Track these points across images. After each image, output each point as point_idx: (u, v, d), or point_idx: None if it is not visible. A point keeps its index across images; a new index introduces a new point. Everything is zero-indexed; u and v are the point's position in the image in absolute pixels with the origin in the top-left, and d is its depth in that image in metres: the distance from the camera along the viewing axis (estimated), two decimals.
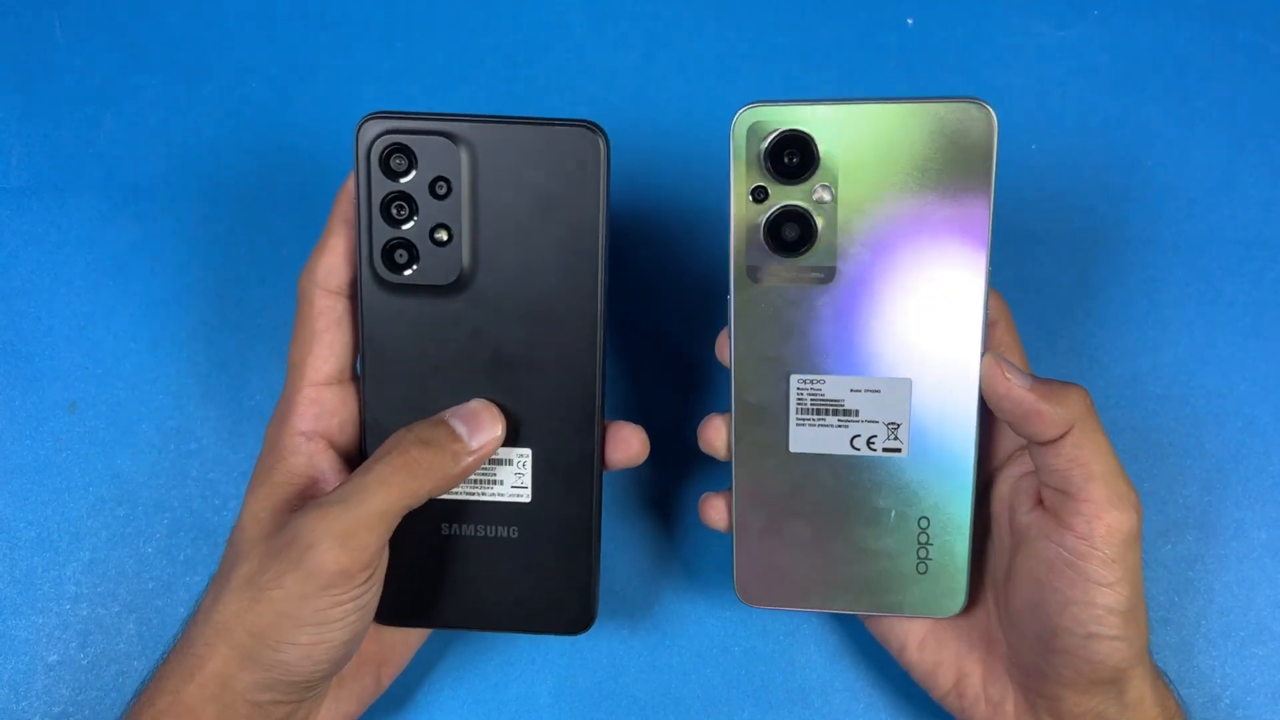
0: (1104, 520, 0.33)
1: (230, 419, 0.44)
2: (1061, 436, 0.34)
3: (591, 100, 0.47)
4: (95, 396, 0.44)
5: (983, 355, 0.35)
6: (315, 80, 0.47)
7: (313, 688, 0.34)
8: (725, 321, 0.37)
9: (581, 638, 0.44)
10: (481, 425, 0.36)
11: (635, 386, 0.46)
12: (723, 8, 0.47)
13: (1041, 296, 0.46)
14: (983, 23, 0.47)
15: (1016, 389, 0.34)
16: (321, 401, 0.36)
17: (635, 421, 0.38)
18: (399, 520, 0.34)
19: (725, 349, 0.37)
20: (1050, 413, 0.34)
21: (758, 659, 0.44)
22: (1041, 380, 0.34)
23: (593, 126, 0.35)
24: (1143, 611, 0.34)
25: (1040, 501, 0.36)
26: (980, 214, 0.34)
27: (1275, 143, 0.46)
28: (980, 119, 0.34)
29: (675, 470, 0.46)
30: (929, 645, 0.39)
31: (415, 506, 0.34)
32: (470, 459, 0.35)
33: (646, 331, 0.46)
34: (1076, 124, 0.46)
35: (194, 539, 0.44)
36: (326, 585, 0.32)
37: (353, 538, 0.32)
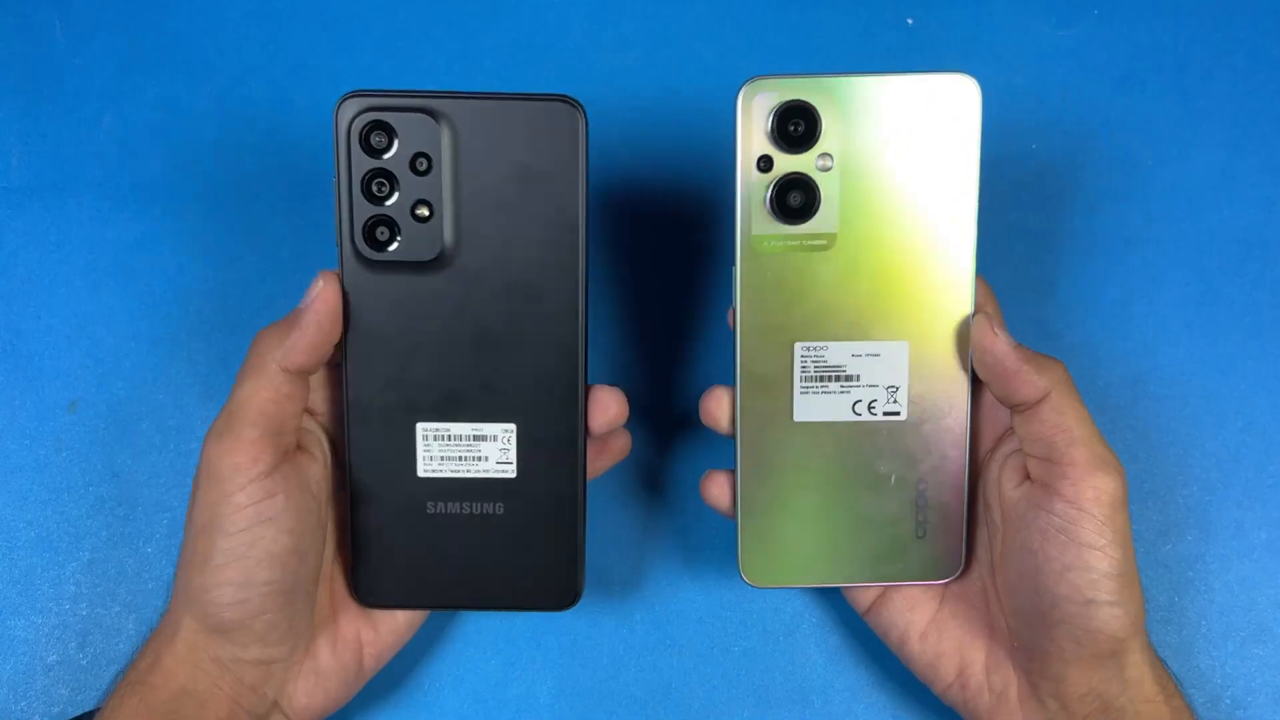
0: (1090, 483, 0.34)
1: None
2: (1040, 402, 0.35)
3: (594, 97, 0.47)
4: (95, 396, 0.45)
5: (973, 316, 0.37)
6: (315, 80, 0.47)
7: (262, 640, 0.35)
8: (729, 294, 0.38)
9: (580, 638, 0.44)
10: (311, 288, 0.36)
11: (632, 366, 0.46)
12: (723, 9, 0.48)
13: (1041, 296, 0.46)
14: (983, 22, 0.48)
15: (1002, 344, 0.36)
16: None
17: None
18: (275, 413, 0.35)
19: (714, 414, 0.38)
20: (1030, 374, 0.35)
21: (758, 659, 0.44)
22: (1025, 348, 0.36)
23: (571, 101, 0.36)
24: (1135, 580, 0.35)
25: (1028, 475, 0.37)
26: (968, 179, 0.37)
27: (1275, 142, 0.47)
28: (966, 90, 0.36)
29: (672, 456, 0.46)
30: (931, 635, 0.39)
31: (283, 385, 0.35)
32: (307, 310, 0.35)
33: (643, 311, 0.47)
34: (1077, 124, 0.47)
35: None
36: (220, 481, 0.34)
37: (226, 427, 0.35)
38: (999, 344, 0.36)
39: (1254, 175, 0.47)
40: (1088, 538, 0.34)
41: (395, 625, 0.40)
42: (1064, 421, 0.35)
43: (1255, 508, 0.45)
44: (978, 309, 0.37)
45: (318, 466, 0.37)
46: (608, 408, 0.38)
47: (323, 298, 0.35)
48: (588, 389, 0.38)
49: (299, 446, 0.37)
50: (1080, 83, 0.47)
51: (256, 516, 0.34)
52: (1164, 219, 0.47)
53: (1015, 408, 0.36)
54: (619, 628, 0.45)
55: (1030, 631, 0.36)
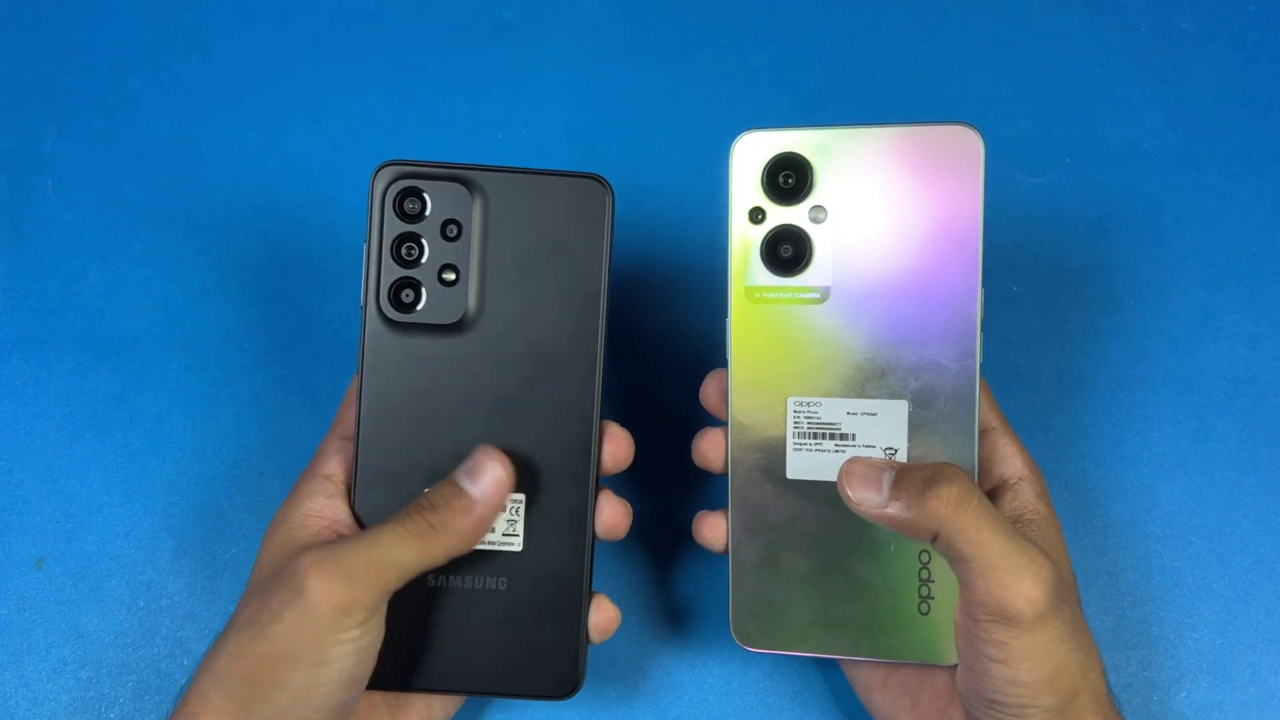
0: (988, 611, 0.34)
1: (204, 573, 0.45)
2: (935, 540, 0.35)
3: (590, 152, 0.52)
4: (64, 552, 0.46)
5: (979, 374, 0.37)
6: (302, 235, 0.50)
7: None
8: (724, 345, 0.39)
9: (580, 698, 0.45)
10: (484, 471, 0.36)
11: (632, 417, 0.48)
12: (721, 66, 0.52)
13: (1032, 437, 0.48)
14: None
15: (872, 510, 0.36)
16: (349, 450, 0.39)
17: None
18: (405, 579, 0.35)
19: (711, 393, 0.40)
20: (912, 526, 0.35)
21: None
22: (905, 476, 0.36)
23: (599, 179, 0.38)
24: (1064, 679, 0.34)
25: None
26: (971, 234, 0.38)
27: (1253, 281, 0.50)
28: (969, 141, 0.37)
29: (670, 520, 0.48)
30: (892, 686, 0.40)
31: (429, 565, 0.35)
32: (479, 508, 0.36)
33: (639, 361, 0.49)
34: (1055, 266, 0.50)
35: (160, 702, 0.44)
36: (323, 620, 0.33)
37: (351, 575, 0.34)
38: (867, 510, 0.36)
39: (1235, 313, 0.50)
40: (985, 650, 0.34)
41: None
42: (961, 552, 0.34)
43: (1270, 651, 0.46)
44: (854, 460, 0.37)
45: None
46: (600, 515, 0.39)
47: (495, 486, 0.36)
48: (598, 488, 0.39)
49: None
50: (1055, 228, 0.51)
51: (354, 651, 0.34)
52: (1150, 358, 0.49)
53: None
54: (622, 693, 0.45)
55: (968, 703, 0.37)
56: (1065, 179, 0.51)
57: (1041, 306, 0.50)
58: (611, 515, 0.39)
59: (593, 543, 0.39)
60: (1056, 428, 0.48)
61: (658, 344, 0.49)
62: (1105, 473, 0.48)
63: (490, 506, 0.36)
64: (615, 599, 0.46)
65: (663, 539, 0.47)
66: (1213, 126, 0.52)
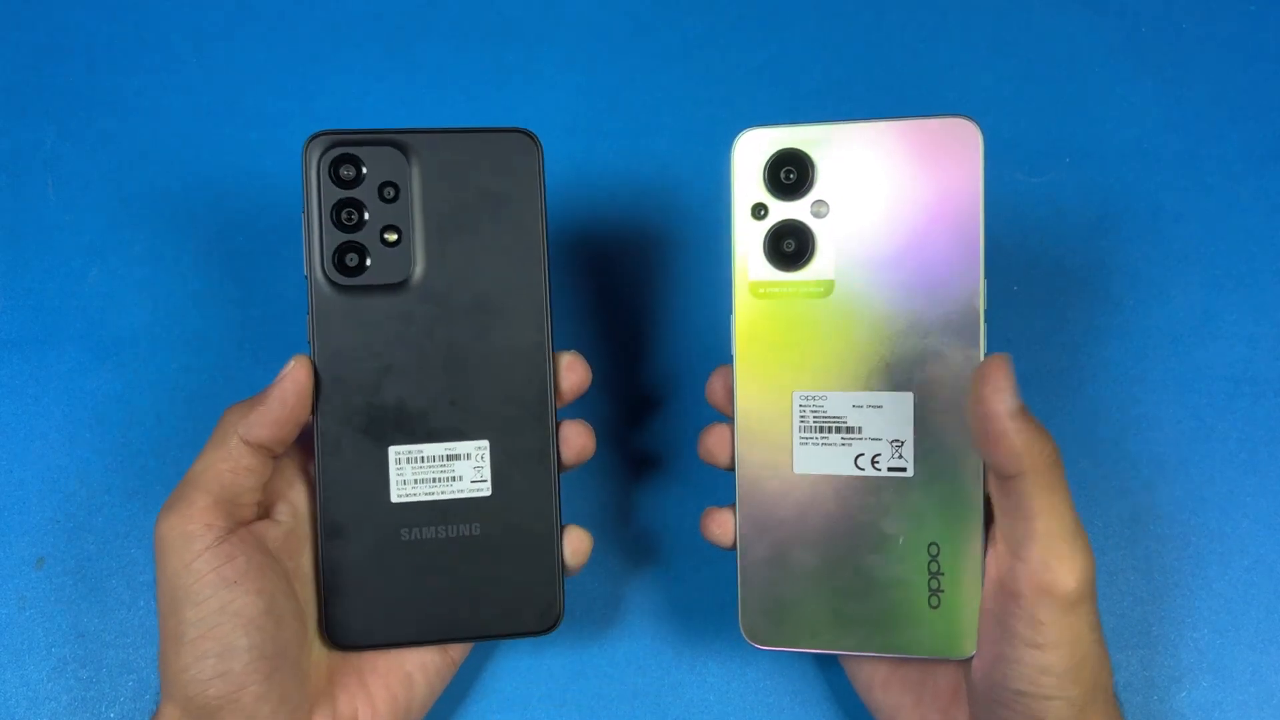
0: (1035, 582, 0.34)
1: None
2: (1013, 478, 0.34)
3: (585, 153, 0.52)
4: (64, 551, 0.46)
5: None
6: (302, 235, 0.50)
7: (252, 717, 0.34)
8: (727, 338, 0.40)
9: (579, 697, 0.45)
10: (286, 365, 0.38)
11: (636, 414, 0.49)
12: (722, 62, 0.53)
13: None
14: None
15: (997, 407, 0.34)
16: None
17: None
18: (228, 485, 0.36)
19: (716, 389, 0.40)
20: (1010, 452, 0.34)
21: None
22: (1026, 416, 0.34)
23: (528, 132, 0.39)
24: (1088, 672, 0.34)
25: (994, 539, 0.37)
26: (972, 225, 0.38)
27: (1253, 282, 0.50)
28: (968, 133, 0.38)
29: (673, 516, 0.48)
30: (894, 685, 0.40)
31: (235, 462, 0.36)
32: (274, 387, 0.38)
33: (643, 358, 0.49)
34: (1054, 266, 0.50)
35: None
36: (175, 553, 0.35)
37: (177, 497, 0.36)
38: (996, 402, 0.34)
39: (1235, 313, 0.50)
40: (1024, 635, 0.34)
41: (393, 699, 0.39)
42: (1028, 508, 0.34)
43: (1270, 651, 0.46)
44: (1001, 356, 0.36)
45: (278, 531, 0.38)
46: (569, 444, 0.40)
47: (293, 377, 0.38)
48: (557, 424, 0.40)
49: (259, 516, 0.38)
50: (1055, 227, 0.51)
51: (220, 581, 0.35)
52: (1150, 357, 0.49)
53: (993, 470, 0.36)
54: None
55: (977, 702, 0.37)
56: (1065, 179, 0.52)
57: (1041, 306, 0.50)
58: (577, 440, 0.40)
59: (559, 477, 0.40)
60: (1057, 427, 0.48)
61: (661, 342, 0.49)
62: (1106, 472, 0.48)
63: (279, 386, 0.38)
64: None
65: (664, 536, 0.48)
66: (1213, 126, 0.52)
